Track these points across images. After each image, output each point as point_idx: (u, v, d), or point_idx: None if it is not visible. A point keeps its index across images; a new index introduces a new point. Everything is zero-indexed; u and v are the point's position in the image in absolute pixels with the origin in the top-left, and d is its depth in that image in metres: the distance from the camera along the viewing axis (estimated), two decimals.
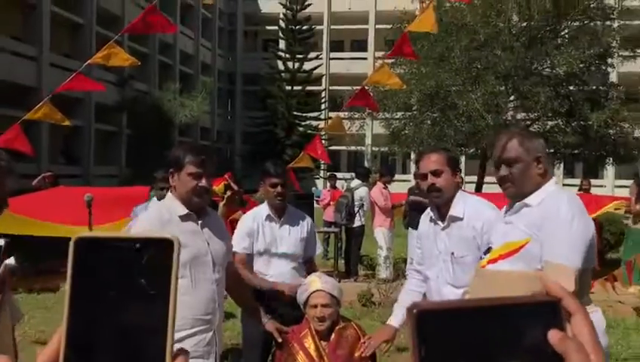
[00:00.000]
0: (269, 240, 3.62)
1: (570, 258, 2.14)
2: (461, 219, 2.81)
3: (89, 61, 4.82)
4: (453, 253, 2.82)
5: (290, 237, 3.66)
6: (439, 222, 2.89)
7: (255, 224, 3.64)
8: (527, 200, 2.31)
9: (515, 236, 2.28)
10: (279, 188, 3.56)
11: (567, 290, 0.49)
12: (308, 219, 3.83)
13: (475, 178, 20.06)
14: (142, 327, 0.48)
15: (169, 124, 27.08)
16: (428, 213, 3.02)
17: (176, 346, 0.49)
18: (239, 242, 3.59)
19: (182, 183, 2.65)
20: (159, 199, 4.61)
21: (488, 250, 2.46)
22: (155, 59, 32.18)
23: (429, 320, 0.46)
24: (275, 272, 3.61)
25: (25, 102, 18.10)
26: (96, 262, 0.49)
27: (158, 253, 0.49)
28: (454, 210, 2.83)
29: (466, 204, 2.85)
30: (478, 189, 18.60)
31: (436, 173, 2.83)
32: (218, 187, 5.86)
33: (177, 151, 2.71)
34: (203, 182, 2.64)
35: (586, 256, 2.19)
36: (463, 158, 22.39)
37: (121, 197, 6.59)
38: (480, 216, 2.79)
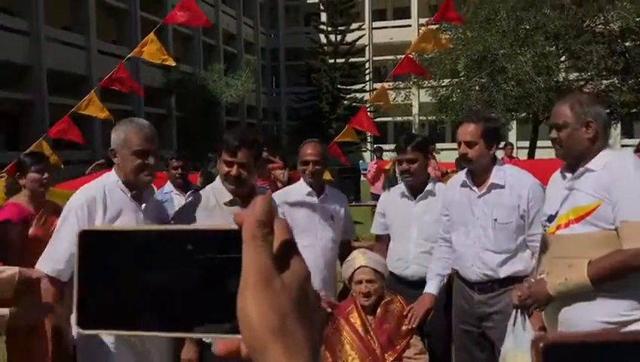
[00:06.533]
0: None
1: None
2: (502, 187, 2.90)
3: (130, 55, 4.93)
4: (496, 219, 2.89)
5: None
6: (475, 189, 2.96)
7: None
8: (589, 165, 2.33)
9: (582, 200, 2.32)
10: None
11: None
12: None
13: (527, 143, 19.54)
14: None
15: (216, 105, 27.39)
16: (457, 180, 3.10)
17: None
18: None
19: (220, 169, 2.67)
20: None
21: (550, 218, 2.45)
22: (199, 41, 32.50)
23: (557, 355, 0.42)
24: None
25: (76, 91, 18.67)
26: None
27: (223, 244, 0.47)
28: (495, 178, 2.92)
29: (505, 173, 2.94)
30: (531, 154, 18.12)
31: (469, 145, 2.92)
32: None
33: (222, 136, 2.71)
34: (234, 171, 2.59)
35: None
36: (514, 123, 21.83)
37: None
38: (524, 183, 2.89)
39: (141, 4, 27.51)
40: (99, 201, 2.46)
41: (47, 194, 3.61)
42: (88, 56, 24.00)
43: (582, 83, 17.06)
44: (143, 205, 2.57)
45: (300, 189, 3.36)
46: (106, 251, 0.48)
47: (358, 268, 2.90)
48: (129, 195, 2.53)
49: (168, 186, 5.18)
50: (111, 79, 5.06)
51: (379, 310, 2.88)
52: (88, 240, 0.48)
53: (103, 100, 5.28)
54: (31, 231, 3.42)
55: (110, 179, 2.54)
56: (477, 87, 17.63)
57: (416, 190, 3.41)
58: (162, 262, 0.47)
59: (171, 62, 4.90)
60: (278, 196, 3.38)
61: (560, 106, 2.43)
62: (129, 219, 2.48)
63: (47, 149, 4.79)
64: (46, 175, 3.49)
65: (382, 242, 3.62)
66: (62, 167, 5.01)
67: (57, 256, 2.45)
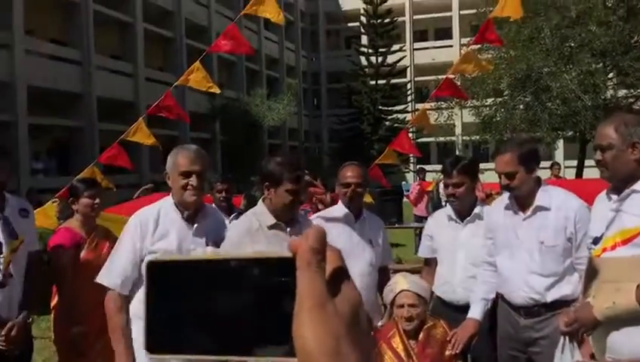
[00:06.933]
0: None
1: None
2: (548, 209, 2.85)
3: (176, 83, 5.10)
4: (542, 242, 2.84)
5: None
6: (520, 213, 2.93)
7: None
8: (636, 187, 2.28)
9: (629, 223, 2.27)
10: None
11: None
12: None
13: (574, 162, 19.08)
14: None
15: (258, 128, 27.79)
16: (501, 203, 3.06)
17: None
18: None
19: (279, 198, 2.69)
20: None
21: (596, 240, 2.40)
22: (242, 67, 33.16)
23: None
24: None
25: (124, 117, 19.27)
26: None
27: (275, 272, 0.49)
28: (540, 200, 2.87)
29: (551, 195, 2.89)
30: (579, 174, 17.68)
31: (509, 176, 2.87)
32: None
33: (274, 166, 2.71)
34: (299, 196, 2.76)
35: None
36: (560, 143, 21.36)
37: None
38: (571, 205, 2.84)
39: (186, 32, 28.31)
40: (151, 221, 2.69)
41: (97, 219, 3.74)
42: (136, 84, 24.77)
43: (631, 100, 16.61)
44: (195, 225, 2.73)
45: (338, 212, 3.31)
46: (171, 279, 0.51)
47: (400, 292, 2.88)
48: (180, 216, 2.73)
49: None
50: (158, 107, 5.24)
51: (421, 334, 2.84)
52: (155, 269, 0.52)
53: (150, 126, 5.45)
54: (82, 254, 3.55)
55: (167, 201, 2.78)
56: (521, 106, 17.39)
57: (463, 213, 3.35)
58: (222, 287, 0.50)
59: (216, 90, 5.05)
60: (316, 218, 3.36)
61: (604, 127, 2.37)
62: (177, 237, 2.68)
63: (98, 174, 4.97)
64: (97, 200, 3.62)
65: (430, 265, 3.57)
66: (114, 189, 5.18)
67: (114, 271, 2.71)
